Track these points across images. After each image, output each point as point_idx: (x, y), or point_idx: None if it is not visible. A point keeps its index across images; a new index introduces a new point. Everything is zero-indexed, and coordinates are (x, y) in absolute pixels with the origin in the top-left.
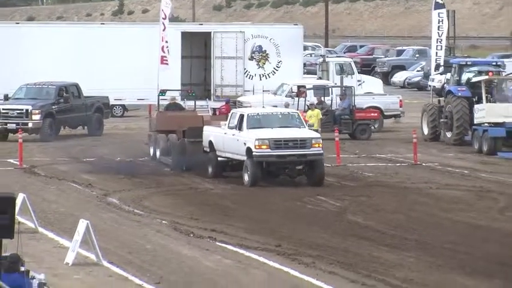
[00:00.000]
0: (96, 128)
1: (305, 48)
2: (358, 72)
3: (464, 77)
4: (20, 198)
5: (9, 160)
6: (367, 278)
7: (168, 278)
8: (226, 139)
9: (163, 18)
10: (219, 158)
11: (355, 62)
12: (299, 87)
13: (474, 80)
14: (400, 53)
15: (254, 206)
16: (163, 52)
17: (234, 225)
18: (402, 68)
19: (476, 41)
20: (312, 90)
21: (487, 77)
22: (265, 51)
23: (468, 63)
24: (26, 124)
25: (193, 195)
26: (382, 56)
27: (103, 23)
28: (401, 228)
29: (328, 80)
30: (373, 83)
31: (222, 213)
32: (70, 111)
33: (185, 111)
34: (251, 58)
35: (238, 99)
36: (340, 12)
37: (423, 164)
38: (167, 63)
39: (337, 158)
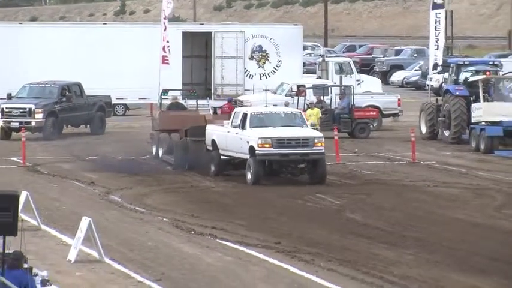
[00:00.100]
0: (99, 126)
1: (304, 47)
2: (357, 72)
3: (462, 76)
4: (23, 196)
5: (12, 158)
6: (366, 274)
7: (170, 274)
8: (229, 138)
9: (164, 19)
10: (221, 157)
11: (354, 61)
12: (299, 86)
13: (472, 79)
14: (398, 52)
15: (254, 204)
16: (165, 52)
17: (234, 223)
18: (400, 67)
19: (473, 40)
20: (312, 90)
21: (484, 76)
22: (265, 50)
23: (466, 62)
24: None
25: (194, 193)
26: (381, 56)
27: (105, 23)
28: (399, 225)
29: (327, 79)
30: (372, 83)
31: (223, 210)
32: (72, 110)
33: (187, 111)
34: (251, 58)
35: (239, 98)
36: (339, 12)
37: (421, 162)
38: (168, 63)
39: (336, 157)
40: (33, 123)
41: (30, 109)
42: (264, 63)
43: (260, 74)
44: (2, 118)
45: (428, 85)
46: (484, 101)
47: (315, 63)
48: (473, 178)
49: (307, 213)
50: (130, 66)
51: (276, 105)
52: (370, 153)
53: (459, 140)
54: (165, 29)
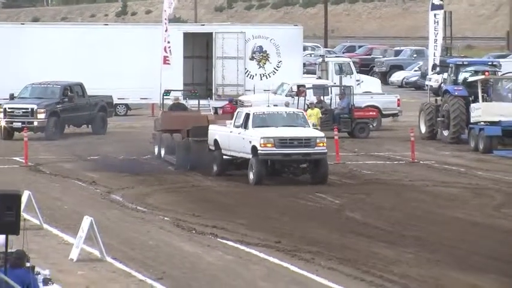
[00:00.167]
0: (100, 126)
1: (305, 48)
2: (357, 72)
3: (461, 76)
4: (25, 195)
5: (14, 158)
6: (366, 273)
7: (171, 273)
8: (231, 137)
9: (165, 19)
10: (224, 157)
11: (353, 62)
12: (299, 86)
13: (470, 79)
14: (398, 53)
15: (255, 204)
16: (166, 52)
17: (234, 222)
18: (400, 67)
19: (472, 41)
20: (312, 90)
21: (483, 76)
22: (266, 51)
23: (465, 63)
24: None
25: (196, 193)
26: (381, 56)
27: (107, 24)
28: (399, 224)
29: (327, 79)
30: (372, 83)
31: (224, 210)
32: (74, 110)
33: (189, 111)
34: (252, 58)
35: (240, 98)
36: (339, 13)
37: (420, 162)
38: (169, 63)
39: (336, 156)
40: (35, 123)
41: (32, 109)
42: (265, 63)
43: (260, 75)
44: (4, 118)
45: (427, 85)
46: (483, 101)
47: (315, 64)
48: (472, 178)
49: (307, 212)
50: (132, 66)
51: (276, 105)
52: (369, 153)
53: (458, 139)
54: (166, 30)
